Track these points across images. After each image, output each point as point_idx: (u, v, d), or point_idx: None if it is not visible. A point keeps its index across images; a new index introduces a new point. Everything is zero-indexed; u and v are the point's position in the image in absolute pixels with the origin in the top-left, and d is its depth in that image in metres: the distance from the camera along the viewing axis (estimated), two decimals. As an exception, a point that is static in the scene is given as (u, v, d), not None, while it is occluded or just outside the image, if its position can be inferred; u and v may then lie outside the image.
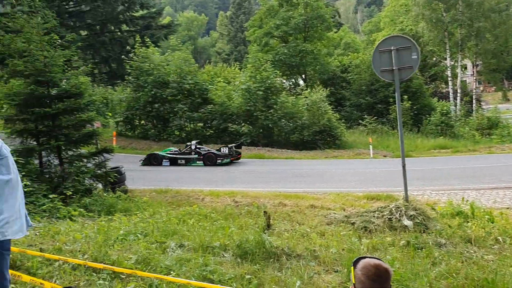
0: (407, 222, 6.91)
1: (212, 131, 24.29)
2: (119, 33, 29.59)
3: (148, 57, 24.23)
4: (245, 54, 50.39)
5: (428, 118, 26.76)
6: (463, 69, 34.75)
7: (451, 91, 31.36)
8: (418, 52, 7.56)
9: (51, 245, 5.06)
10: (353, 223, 7.44)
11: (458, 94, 30.89)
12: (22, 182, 7.65)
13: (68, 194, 8.98)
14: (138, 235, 6.07)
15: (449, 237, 6.32)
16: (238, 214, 8.61)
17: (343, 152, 21.57)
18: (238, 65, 39.36)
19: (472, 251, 5.76)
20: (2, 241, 2.61)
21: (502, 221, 7.33)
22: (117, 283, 4.06)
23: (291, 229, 7.02)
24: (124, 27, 29.61)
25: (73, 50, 11.18)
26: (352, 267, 2.24)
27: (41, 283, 3.56)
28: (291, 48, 32.30)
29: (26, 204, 7.36)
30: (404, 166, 7.75)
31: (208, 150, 17.93)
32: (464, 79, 38.42)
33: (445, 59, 32.22)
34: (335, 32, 45.62)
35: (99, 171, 10.57)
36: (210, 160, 17.36)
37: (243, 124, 23.68)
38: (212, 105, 23.91)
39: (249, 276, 4.50)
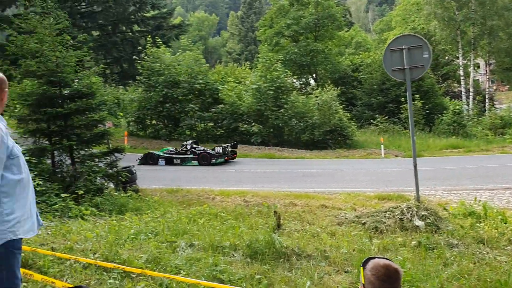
0: (418, 222, 6.85)
1: (222, 131, 24.37)
2: (130, 34, 29.78)
3: (159, 57, 24.35)
4: (255, 53, 50.36)
5: (440, 118, 26.54)
6: (475, 68, 34.36)
7: (463, 90, 31.05)
8: (430, 51, 7.49)
9: (63, 244, 5.10)
10: (364, 223, 7.39)
11: (471, 93, 30.56)
12: (35, 181, 7.78)
13: (79, 193, 9.03)
14: (149, 234, 6.09)
15: (461, 238, 6.25)
16: (248, 213, 8.60)
17: (354, 151, 21.47)
18: (248, 65, 39.35)
19: (484, 252, 5.69)
20: (13, 240, 2.63)
21: (516, 222, 7.23)
22: (127, 282, 4.08)
23: (302, 229, 7.00)
24: (136, 27, 29.79)
25: (85, 50, 11.26)
26: (361, 268, 2.22)
27: (52, 282, 3.59)
28: (302, 47, 32.25)
29: (38, 203, 7.47)
30: (415, 166, 7.68)
31: (203, 150, 18.00)
32: (477, 78, 38.03)
33: (458, 58, 31.90)
34: (346, 31, 45.42)
35: (110, 171, 10.63)
36: (204, 160, 17.45)
37: (253, 123, 23.70)
38: (222, 105, 23.98)
39: (259, 276, 4.49)
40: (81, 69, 10.99)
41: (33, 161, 9.17)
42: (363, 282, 2.18)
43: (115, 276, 4.17)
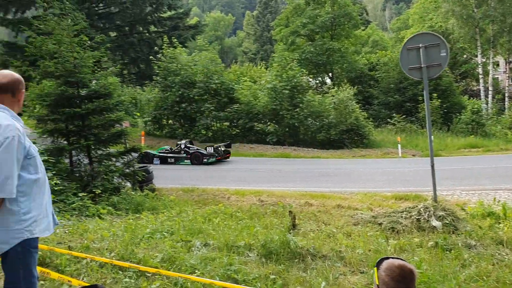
0: (435, 222, 6.76)
1: (238, 130, 24.42)
2: (147, 34, 30.00)
3: (175, 57, 24.50)
4: (271, 53, 50.31)
5: (459, 117, 26.18)
6: (495, 66, 33.72)
7: (482, 88, 30.55)
8: (447, 49, 7.38)
9: (80, 243, 5.17)
10: (380, 224, 7.33)
11: (490, 92, 30.06)
12: (53, 180, 7.90)
13: (97, 192, 9.12)
14: (165, 233, 6.13)
15: (480, 239, 6.15)
16: (263, 213, 8.60)
17: (371, 151, 21.31)
18: (264, 64, 39.33)
19: (503, 253, 5.59)
20: (30, 239, 2.67)
21: (536, 223, 7.08)
22: (142, 281, 4.11)
23: (317, 229, 6.97)
24: (152, 28, 29.99)
25: (103, 51, 11.37)
26: (375, 268, 2.20)
27: (68, 281, 3.64)
28: (318, 46, 32.07)
29: (56, 202, 7.58)
30: (433, 166, 7.59)
31: (196, 150, 18.09)
32: (496, 76, 37.36)
33: (476, 56, 31.39)
34: (363, 30, 45.05)
35: (127, 170, 10.73)
36: (196, 159, 17.58)
37: (269, 123, 23.68)
38: (238, 105, 24.03)
39: (273, 276, 4.48)
40: (98, 69, 11.11)
41: (51, 160, 9.31)
42: (377, 283, 2.15)
43: (131, 275, 4.21)
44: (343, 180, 13.52)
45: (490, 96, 29.89)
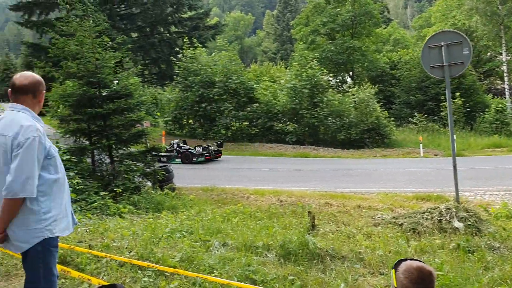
0: (457, 224, 6.64)
1: (257, 130, 24.44)
2: (168, 35, 30.24)
3: (195, 57, 24.64)
4: (291, 52, 50.20)
5: (482, 116, 25.66)
6: (520, 64, 32.92)
7: (507, 87, 29.81)
8: (470, 47, 7.24)
9: (100, 242, 5.23)
10: (401, 225, 7.24)
11: (515, 90, 29.34)
12: (75, 180, 8.02)
13: (118, 191, 9.23)
14: (184, 232, 6.16)
15: (504, 241, 6.01)
16: (282, 213, 8.58)
17: (392, 151, 21.04)
18: (284, 64, 39.23)
19: (529, 257, 5.44)
20: (50, 238, 2.71)
21: None
22: (161, 281, 4.13)
23: (336, 230, 6.91)
24: (173, 28, 30.22)
25: (124, 51, 11.51)
26: (393, 270, 2.16)
27: (88, 279, 3.69)
28: (338, 45, 31.82)
29: (78, 201, 7.70)
30: (455, 166, 7.45)
31: (187, 149, 18.22)
32: (522, 74, 36.42)
33: (501, 54, 30.65)
34: (384, 28, 44.52)
35: (148, 169, 10.85)
36: (187, 158, 17.75)
37: (288, 122, 23.61)
38: (257, 104, 24.03)
39: (292, 277, 4.45)
40: (120, 70, 11.24)
41: (74, 160, 9.47)
42: (395, 285, 2.11)
43: (150, 274, 4.24)
44: (364, 180, 13.39)
45: (515, 95, 29.19)
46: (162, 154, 18.09)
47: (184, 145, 18.63)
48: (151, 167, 10.93)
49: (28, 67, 26.03)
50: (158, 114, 24.39)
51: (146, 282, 4.10)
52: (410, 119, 26.21)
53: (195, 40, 25.76)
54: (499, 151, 19.53)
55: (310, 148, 21.80)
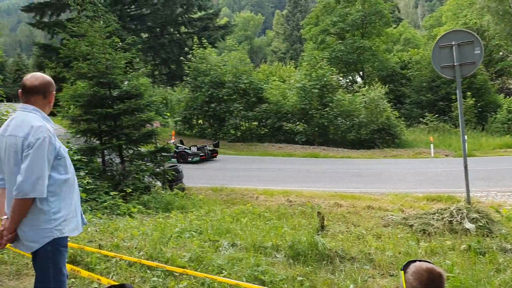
0: (469, 225, 6.57)
1: (266, 130, 24.44)
2: (178, 35, 30.35)
3: (205, 58, 24.70)
4: (301, 52, 50.04)
5: (494, 116, 25.42)
6: (532, 64, 32.52)
7: (519, 86, 29.52)
8: (482, 47, 7.16)
9: (110, 242, 5.26)
10: (411, 226, 7.18)
11: (528, 90, 29.02)
12: (85, 179, 8.07)
13: (128, 191, 9.28)
14: (193, 232, 6.18)
15: (516, 243, 5.93)
16: (291, 214, 8.56)
17: (403, 151, 20.91)
18: (293, 64, 39.17)
19: (542, 259, 5.36)
20: (59, 238, 2.73)
21: None
22: (170, 281, 4.14)
23: (346, 231, 6.88)
24: (183, 28, 30.32)
25: (134, 52, 11.57)
26: (402, 272, 2.14)
27: (98, 279, 3.71)
28: (348, 45, 31.71)
29: (88, 201, 7.75)
30: (466, 167, 7.38)
31: (183, 149, 18.30)
32: (535, 74, 35.96)
33: (513, 53, 30.39)
34: (394, 28, 44.26)
35: (157, 169, 10.89)
36: (182, 158, 17.82)
37: (298, 122, 23.56)
38: (267, 104, 24.03)
39: (301, 278, 4.44)
40: (130, 70, 11.30)
41: (84, 160, 9.54)
42: (404, 287, 2.09)
43: (159, 274, 4.25)
44: (374, 180, 13.32)
45: (528, 95, 28.86)
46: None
47: (180, 145, 18.76)
48: (161, 167, 10.98)
49: (40, 67, 26.32)
50: (168, 114, 24.53)
51: (155, 282, 4.11)
52: (421, 119, 26.04)
53: (205, 40, 25.83)
54: (511, 152, 19.31)
55: (320, 148, 21.74)
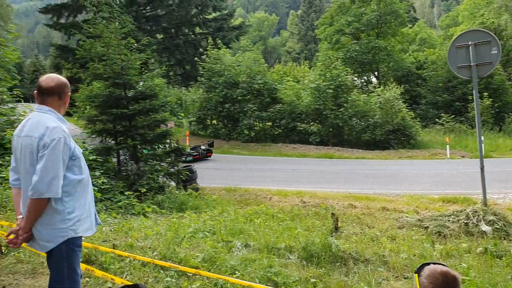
0: (485, 227, 6.47)
1: (280, 130, 24.41)
2: (192, 36, 30.44)
3: (219, 58, 24.77)
4: (315, 52, 49.91)
5: (511, 116, 24.95)
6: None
7: (538, 87, 28.94)
8: (499, 47, 7.05)
9: (124, 241, 5.30)
10: (426, 227, 7.11)
11: (547, 90, 28.42)
12: (100, 179, 8.14)
13: (142, 191, 9.35)
14: (206, 233, 6.19)
15: (534, 246, 5.82)
16: (305, 215, 8.53)
17: (418, 152, 20.69)
18: (308, 64, 39.05)
19: (560, 263, 5.25)
20: (73, 238, 2.76)
21: None
22: (183, 281, 4.16)
23: (360, 232, 6.83)
24: (197, 29, 30.40)
25: (149, 53, 11.64)
26: (415, 275, 2.11)
27: (112, 278, 3.74)
28: (363, 45, 31.51)
29: (103, 200, 7.82)
30: (482, 168, 7.27)
31: None
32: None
33: (532, 52, 29.81)
34: (410, 28, 43.83)
35: (172, 170, 10.96)
36: None
37: (312, 123, 23.48)
38: (281, 105, 24.00)
39: (314, 280, 4.42)
40: (145, 71, 11.38)
41: (100, 160, 9.63)
42: (418, 291, 2.07)
43: (172, 275, 4.26)
44: (389, 181, 13.21)
45: (547, 95, 28.27)
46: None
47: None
48: (175, 167, 11.04)
49: (57, 68, 26.65)
50: (182, 114, 24.68)
51: (169, 282, 4.13)
52: (437, 119, 25.74)
53: (219, 41, 25.89)
54: (529, 153, 18.99)
55: (334, 149, 21.64)
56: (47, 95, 2.82)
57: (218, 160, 18.66)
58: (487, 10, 34.55)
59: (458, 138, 22.37)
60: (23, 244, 2.81)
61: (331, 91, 22.42)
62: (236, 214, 8.03)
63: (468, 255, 5.47)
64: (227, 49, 26.78)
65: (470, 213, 6.94)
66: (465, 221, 6.79)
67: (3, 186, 7.06)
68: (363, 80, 34.20)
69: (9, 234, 2.79)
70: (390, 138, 21.95)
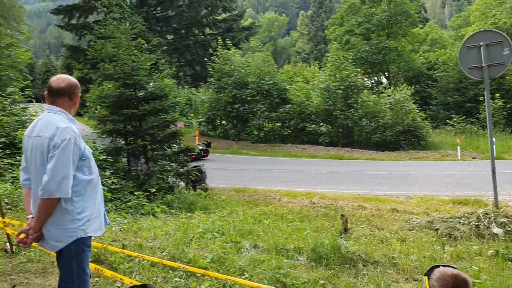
0: (496, 230, 6.40)
1: (290, 131, 24.39)
2: (202, 36, 30.53)
3: (229, 59, 24.81)
4: (325, 53, 49.80)
5: (524, 118, 24.72)
6: None
7: (552, 88, 28.56)
8: (511, 47, 6.96)
9: (133, 241, 5.32)
10: (436, 229, 7.05)
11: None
12: (111, 179, 8.19)
13: (152, 191, 9.38)
14: (215, 233, 6.19)
15: (546, 249, 5.74)
16: (314, 216, 8.50)
17: (429, 153, 20.54)
18: (317, 64, 38.97)
19: None
20: (83, 238, 2.77)
21: None
22: (192, 281, 4.16)
23: (370, 234, 6.79)
24: (207, 30, 30.49)
25: (159, 54, 11.70)
26: (425, 277, 2.08)
27: (121, 278, 3.75)
28: (374, 45, 31.38)
29: (113, 200, 7.85)
30: (493, 169, 7.19)
31: None
32: None
33: (546, 53, 29.42)
34: (421, 28, 43.53)
35: (181, 170, 10.99)
36: None
37: (321, 123, 23.42)
38: (290, 105, 23.98)
39: (323, 281, 4.40)
40: (155, 72, 11.43)
41: (110, 160, 9.69)
42: (428, 293, 2.04)
43: (181, 275, 4.27)
44: (399, 183, 13.12)
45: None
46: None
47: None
48: (185, 168, 11.07)
49: (68, 69, 26.86)
50: (192, 115, 24.77)
51: (177, 282, 4.14)
52: (448, 120, 25.54)
53: (229, 41, 25.94)
54: (542, 155, 18.75)
55: (344, 149, 21.55)
56: (58, 96, 2.84)
57: (227, 161, 18.68)
58: (499, 10, 34.16)
59: (469, 139, 22.18)
60: (33, 244, 2.84)
61: (341, 91, 22.34)
62: (245, 214, 8.02)
63: (479, 258, 5.42)
64: (237, 50, 26.83)
65: (481, 215, 6.87)
66: (476, 223, 6.73)
67: (14, 186, 7.14)
68: (373, 81, 34.08)
69: (19, 234, 2.81)
70: (401, 139, 21.82)
